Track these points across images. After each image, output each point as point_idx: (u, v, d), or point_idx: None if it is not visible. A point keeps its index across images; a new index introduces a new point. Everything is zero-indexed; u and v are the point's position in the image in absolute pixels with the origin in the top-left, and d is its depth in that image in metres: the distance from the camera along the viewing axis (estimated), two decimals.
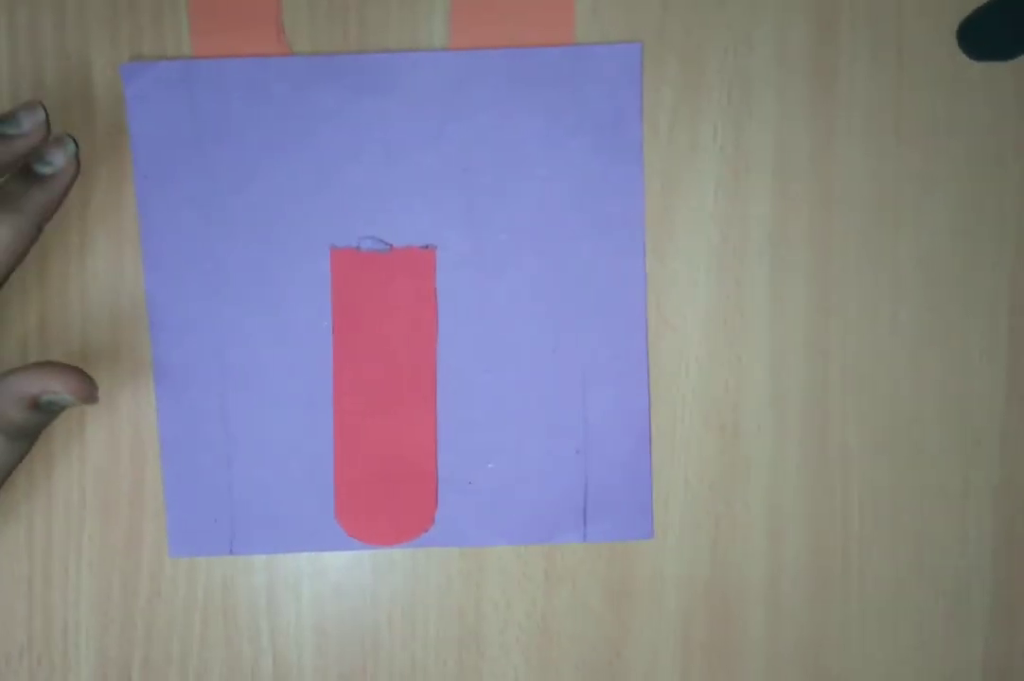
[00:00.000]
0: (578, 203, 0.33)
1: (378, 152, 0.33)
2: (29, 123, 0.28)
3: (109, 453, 0.33)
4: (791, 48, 0.33)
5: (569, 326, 0.33)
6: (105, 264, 0.33)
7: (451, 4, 0.33)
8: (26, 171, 0.28)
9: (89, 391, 0.27)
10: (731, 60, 0.33)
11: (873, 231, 0.34)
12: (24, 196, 0.28)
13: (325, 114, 0.33)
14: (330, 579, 0.34)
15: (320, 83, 0.33)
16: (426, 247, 0.33)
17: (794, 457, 0.34)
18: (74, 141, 0.30)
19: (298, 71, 0.33)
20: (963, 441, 0.34)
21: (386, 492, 0.33)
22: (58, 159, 0.29)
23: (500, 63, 0.33)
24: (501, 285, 0.33)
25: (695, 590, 0.34)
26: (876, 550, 0.34)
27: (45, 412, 0.28)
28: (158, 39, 0.33)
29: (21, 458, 0.30)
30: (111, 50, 0.33)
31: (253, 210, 0.33)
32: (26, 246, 0.28)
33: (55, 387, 0.27)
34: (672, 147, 0.33)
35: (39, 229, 0.29)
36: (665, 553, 0.34)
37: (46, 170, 0.28)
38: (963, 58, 0.33)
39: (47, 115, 0.29)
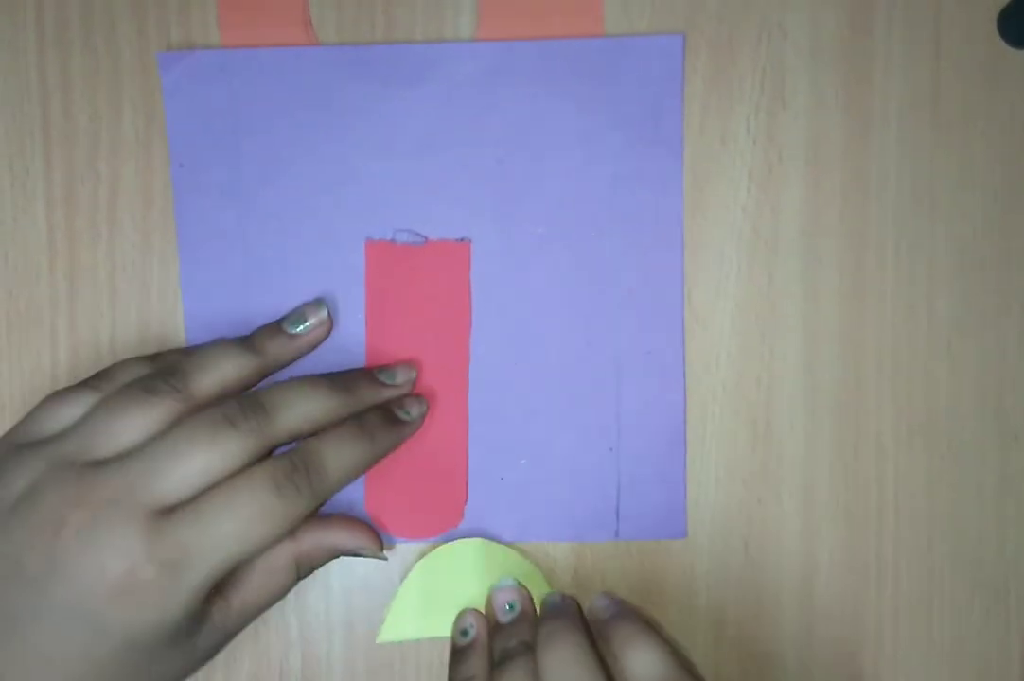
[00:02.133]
0: (614, 196, 0.33)
1: (413, 144, 0.33)
2: (403, 378, 0.32)
3: None
4: (825, 36, 0.33)
5: (604, 321, 0.33)
6: (138, 254, 0.33)
7: None
8: (386, 410, 0.32)
9: (382, 551, 0.32)
10: (764, 49, 0.33)
11: (908, 222, 0.33)
12: (381, 430, 0.31)
13: (357, 106, 0.32)
14: (359, 573, 0.33)
15: (351, 75, 0.32)
16: (461, 240, 0.33)
17: (828, 452, 0.33)
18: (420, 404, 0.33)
19: (330, 62, 0.32)
20: (1000, 435, 0.33)
21: (416, 486, 0.33)
22: (415, 411, 0.32)
23: (534, 54, 0.32)
24: (536, 278, 0.33)
25: (727, 588, 0.33)
26: (912, 545, 0.34)
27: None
28: (185, 29, 0.33)
29: None
30: (139, 40, 0.33)
31: (288, 201, 0.33)
32: (362, 471, 0.30)
33: (366, 547, 0.31)
34: (703, 138, 0.33)
35: (374, 462, 0.31)
36: (697, 551, 0.33)
37: (404, 417, 0.32)
38: (1002, 46, 0.33)
39: (416, 374, 0.33)
